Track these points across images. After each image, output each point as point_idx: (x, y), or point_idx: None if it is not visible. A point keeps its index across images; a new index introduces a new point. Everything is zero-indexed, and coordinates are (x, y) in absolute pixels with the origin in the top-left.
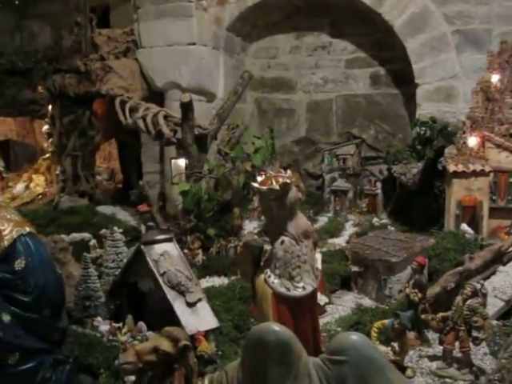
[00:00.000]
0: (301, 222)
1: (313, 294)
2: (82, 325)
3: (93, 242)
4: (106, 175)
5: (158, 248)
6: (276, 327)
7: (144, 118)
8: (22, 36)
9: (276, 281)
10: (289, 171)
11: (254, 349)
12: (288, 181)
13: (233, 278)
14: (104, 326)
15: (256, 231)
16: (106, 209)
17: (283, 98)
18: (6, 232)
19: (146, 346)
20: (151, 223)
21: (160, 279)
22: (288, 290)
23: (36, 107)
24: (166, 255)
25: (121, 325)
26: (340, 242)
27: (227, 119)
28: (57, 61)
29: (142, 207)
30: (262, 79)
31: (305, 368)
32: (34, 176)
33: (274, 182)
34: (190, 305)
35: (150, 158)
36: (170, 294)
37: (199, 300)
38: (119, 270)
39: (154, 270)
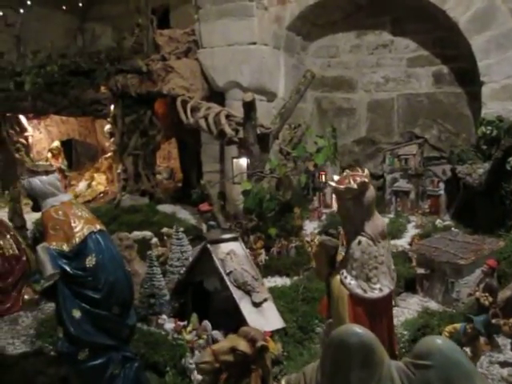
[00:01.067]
0: (378, 222)
1: (389, 296)
2: (146, 322)
3: (154, 240)
4: (165, 174)
5: (224, 247)
6: (358, 329)
7: (206, 118)
8: (84, 38)
9: (353, 282)
10: (366, 170)
11: (336, 351)
12: (366, 180)
13: (295, 278)
14: (169, 324)
15: (316, 231)
16: (166, 207)
17: (343, 97)
18: (78, 229)
19: (223, 346)
20: (212, 222)
21: (226, 278)
22: (365, 291)
23: (99, 107)
24: (232, 254)
25: (185, 323)
26: (402, 243)
27: (289, 118)
28: (119, 61)
29: (204, 206)
30: (322, 78)
31: (387, 372)
32: (95, 175)
33: (352, 181)
34: (256, 305)
35: (210, 158)
36: (236, 294)
37: (265, 300)
38: (184, 268)
39: (221, 268)
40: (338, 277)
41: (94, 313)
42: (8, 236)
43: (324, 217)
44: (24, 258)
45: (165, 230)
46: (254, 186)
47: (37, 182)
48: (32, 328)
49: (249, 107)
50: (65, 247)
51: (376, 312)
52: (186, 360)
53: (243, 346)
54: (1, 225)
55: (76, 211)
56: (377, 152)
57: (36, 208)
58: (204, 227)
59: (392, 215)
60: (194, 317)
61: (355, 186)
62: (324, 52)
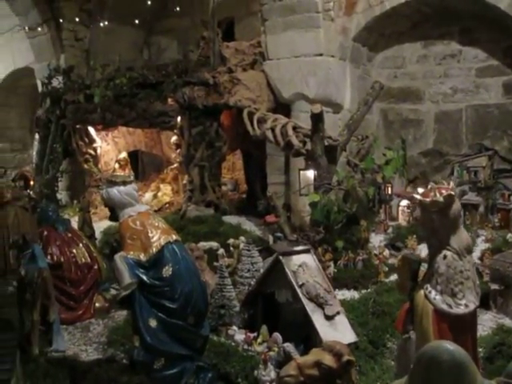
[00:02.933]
0: (463, 235)
1: (475, 312)
2: (216, 333)
3: (221, 251)
4: (230, 186)
5: (296, 259)
6: (450, 346)
7: (273, 129)
8: (150, 51)
9: (438, 297)
10: (452, 183)
11: (426, 368)
12: (452, 193)
13: (363, 291)
14: (239, 336)
15: (383, 244)
16: (231, 218)
17: (410, 108)
18: (155, 239)
19: (307, 360)
20: (279, 234)
21: (298, 290)
22: (450, 307)
23: (166, 119)
24: (305, 266)
25: (255, 334)
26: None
27: (356, 130)
28: (186, 74)
29: (270, 218)
30: (388, 89)
31: None
32: (161, 185)
33: (438, 194)
34: (329, 318)
35: (275, 169)
36: (309, 306)
37: (337, 313)
38: (254, 279)
39: (293, 281)
40: (421, 291)
41: (169, 322)
42: (81, 245)
43: (390, 229)
44: (96, 267)
45: (231, 241)
46: (321, 197)
47: (115, 192)
48: (103, 335)
49: (317, 119)
50: (142, 257)
51: (461, 328)
52: (259, 372)
53: (328, 360)
54: (74, 234)
55: (153, 221)
56: (444, 164)
57: (113, 218)
58: (270, 239)
59: None
60: (264, 328)
61: (441, 199)
62: (390, 63)
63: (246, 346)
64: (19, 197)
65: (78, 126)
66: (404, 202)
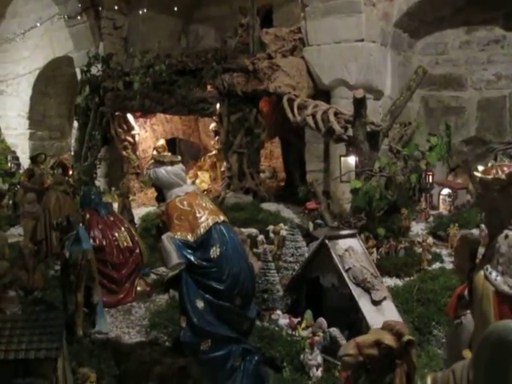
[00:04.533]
0: None
1: None
2: (259, 318)
3: (260, 237)
4: (268, 173)
5: (343, 243)
6: None
7: (314, 115)
8: (188, 39)
9: (499, 278)
10: None
11: (493, 349)
12: None
13: (406, 279)
14: (283, 320)
15: (425, 232)
16: (270, 206)
17: (452, 95)
18: (202, 219)
19: (367, 339)
20: (319, 221)
21: (345, 275)
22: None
23: (205, 106)
24: (351, 251)
25: (299, 319)
26: None
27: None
28: (225, 60)
29: (311, 204)
30: (429, 76)
31: None
32: (199, 173)
33: (500, 172)
34: (376, 303)
35: (314, 157)
36: (355, 291)
37: (384, 298)
38: (298, 264)
39: (339, 265)
40: (481, 273)
41: (216, 304)
42: (122, 228)
43: (431, 218)
44: (137, 251)
45: (271, 227)
46: (363, 184)
47: (162, 172)
48: (145, 319)
49: (359, 104)
50: (189, 237)
51: None
52: (305, 356)
53: (389, 339)
54: (116, 217)
55: (201, 202)
56: (487, 152)
57: (160, 198)
58: (310, 226)
59: None
60: (309, 314)
61: (504, 177)
62: (432, 49)
63: (290, 331)
64: (60, 181)
65: (116, 114)
66: (445, 191)
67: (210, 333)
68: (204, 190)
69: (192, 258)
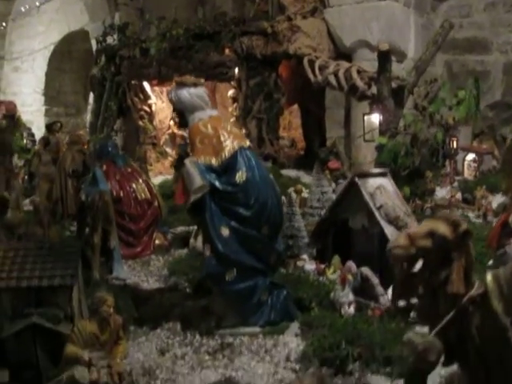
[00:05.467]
0: None
1: None
2: (284, 266)
3: (282, 198)
4: (287, 142)
5: (373, 181)
6: None
7: (336, 74)
8: (205, 10)
9: None
10: None
11: None
12: None
13: None
14: (309, 266)
15: (447, 197)
16: (290, 172)
17: (476, 59)
18: (227, 143)
19: (420, 230)
20: (342, 180)
21: (376, 213)
22: None
23: (223, 70)
24: (382, 189)
25: (326, 265)
26: None
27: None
28: (244, 23)
29: (333, 164)
30: (453, 40)
31: None
32: None
33: None
34: None
35: (335, 123)
36: (388, 229)
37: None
38: (324, 210)
39: (370, 203)
40: None
41: (243, 231)
42: (140, 180)
43: (456, 184)
44: (156, 204)
45: (291, 189)
46: (389, 140)
47: (185, 93)
48: (164, 269)
49: (384, 57)
50: (213, 161)
51: None
52: (336, 293)
53: (444, 229)
54: (133, 169)
55: (225, 125)
56: None
57: (182, 124)
58: (333, 185)
59: None
60: (336, 259)
61: None
62: (455, 12)
63: (316, 277)
64: (76, 141)
65: (133, 82)
66: (470, 156)
67: (235, 262)
68: None
69: (216, 183)
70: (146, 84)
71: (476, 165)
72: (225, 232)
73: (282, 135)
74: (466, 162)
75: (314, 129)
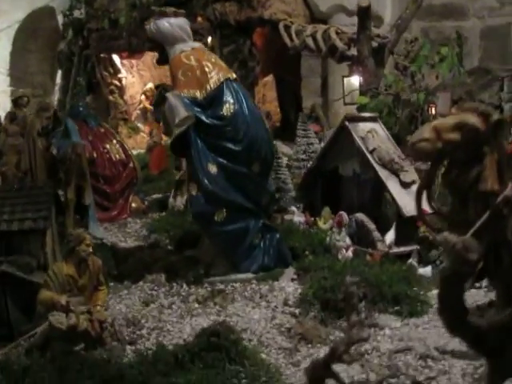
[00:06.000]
0: None
1: None
2: (270, 220)
3: None
4: (262, 114)
5: (364, 126)
6: None
7: (313, 36)
8: None
9: None
10: None
11: None
12: None
13: None
14: (298, 218)
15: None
16: None
17: (453, 25)
18: (212, 74)
19: (446, 122)
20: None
21: (369, 157)
22: None
23: (196, 37)
24: (374, 132)
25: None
26: None
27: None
28: None
29: (314, 127)
30: (429, 7)
31: None
32: None
33: None
34: (405, 185)
35: (311, 92)
36: (382, 173)
37: (414, 182)
38: (311, 162)
39: (362, 147)
40: None
41: (232, 168)
42: (114, 141)
43: None
44: (131, 165)
45: None
46: (370, 101)
47: (165, 24)
48: (143, 230)
49: (364, 14)
50: (198, 94)
51: None
52: (333, 237)
53: (474, 120)
54: (106, 130)
55: (210, 57)
56: (492, 81)
57: (162, 59)
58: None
59: None
60: (327, 210)
61: None
62: None
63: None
64: (45, 107)
65: (102, 56)
66: None
67: (224, 200)
68: None
69: (203, 117)
70: (115, 57)
71: None
72: (212, 169)
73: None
74: None
75: (290, 100)
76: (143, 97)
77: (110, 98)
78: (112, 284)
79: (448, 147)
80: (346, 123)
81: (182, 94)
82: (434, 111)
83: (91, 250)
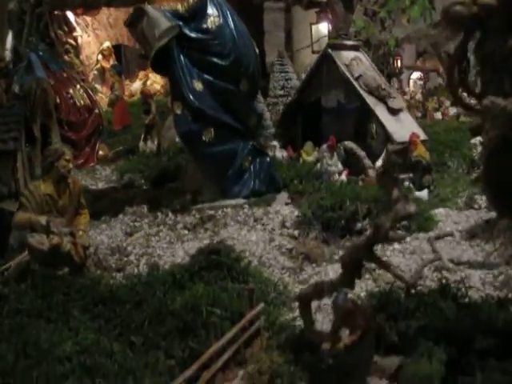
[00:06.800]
0: None
1: None
2: None
3: None
4: None
5: (347, 54)
6: None
7: None
8: None
9: None
10: None
11: None
12: None
13: None
14: (281, 153)
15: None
16: None
17: None
18: None
19: None
20: None
21: (355, 83)
22: None
23: None
24: (358, 60)
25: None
26: None
27: None
28: None
29: None
30: None
31: None
32: (150, 74)
33: None
34: (394, 112)
35: (274, 47)
36: (369, 100)
37: (401, 110)
38: (289, 98)
39: (347, 73)
40: None
41: (219, 85)
42: (78, 86)
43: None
44: (97, 111)
45: None
46: None
47: None
48: (113, 175)
49: None
50: (179, 7)
51: None
52: (325, 162)
53: None
54: (69, 75)
55: None
56: None
57: None
58: None
59: None
60: (309, 144)
61: None
62: None
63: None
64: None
65: (56, 13)
66: (416, 75)
67: (211, 118)
68: (157, 92)
69: (186, 30)
70: (70, 15)
71: (422, 82)
72: (198, 86)
73: None
74: (411, 81)
75: None
76: (100, 56)
77: (66, 57)
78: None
79: (483, 12)
80: (329, 51)
81: (162, 8)
82: (399, 63)
83: (71, 167)
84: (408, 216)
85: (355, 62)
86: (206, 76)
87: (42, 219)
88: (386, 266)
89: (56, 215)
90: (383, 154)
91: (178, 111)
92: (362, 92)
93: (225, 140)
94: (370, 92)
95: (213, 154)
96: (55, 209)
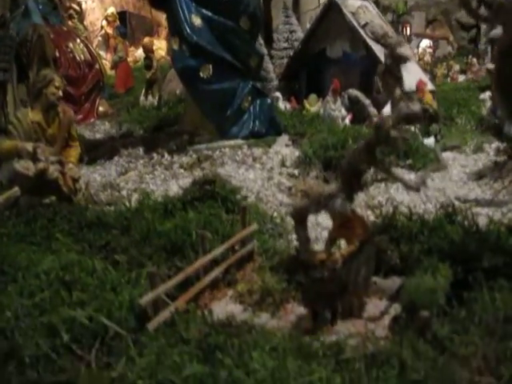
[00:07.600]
0: None
1: None
2: None
3: None
4: None
5: (353, 2)
6: None
7: None
8: None
9: None
10: None
11: None
12: None
13: None
14: (283, 104)
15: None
16: None
17: None
18: None
19: None
20: None
21: (361, 32)
22: None
23: None
24: (365, 8)
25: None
26: None
27: None
28: None
29: None
30: None
31: None
32: (155, 40)
33: None
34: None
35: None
36: (376, 47)
37: (408, 59)
38: (293, 51)
39: (353, 21)
40: None
41: (217, 21)
42: (78, 40)
43: None
44: (97, 66)
45: None
46: None
47: None
48: (112, 129)
49: None
50: None
51: None
52: (327, 107)
53: None
54: (70, 29)
55: None
56: None
57: None
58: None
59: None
60: (313, 97)
61: None
62: None
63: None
64: None
65: None
66: (425, 42)
67: (210, 54)
68: (162, 57)
69: None
70: None
71: (432, 50)
72: (196, 21)
73: None
74: (420, 49)
75: None
76: (104, 22)
77: (70, 23)
78: (84, 166)
79: None
80: None
81: None
82: (408, 31)
83: (61, 94)
84: (412, 116)
85: (362, 10)
86: (204, 11)
87: (29, 145)
88: (387, 170)
89: (45, 144)
90: (388, 103)
91: (176, 46)
92: (368, 40)
93: (223, 78)
94: (377, 40)
95: (210, 92)
96: (44, 138)
